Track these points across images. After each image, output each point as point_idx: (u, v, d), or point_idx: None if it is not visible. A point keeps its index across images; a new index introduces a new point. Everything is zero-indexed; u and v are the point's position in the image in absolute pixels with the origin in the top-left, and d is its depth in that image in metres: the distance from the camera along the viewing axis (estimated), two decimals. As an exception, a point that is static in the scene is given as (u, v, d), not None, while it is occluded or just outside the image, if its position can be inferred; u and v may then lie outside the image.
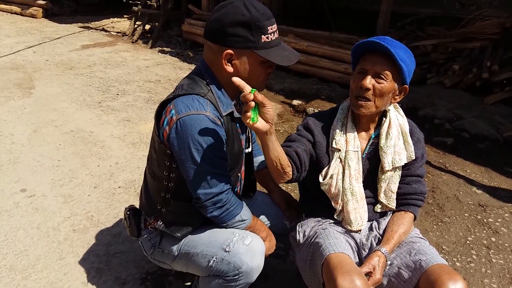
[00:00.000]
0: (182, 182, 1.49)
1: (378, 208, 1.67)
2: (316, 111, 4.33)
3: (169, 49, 7.21)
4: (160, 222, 1.61)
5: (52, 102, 4.44)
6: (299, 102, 4.78)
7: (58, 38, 7.59)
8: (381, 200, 1.65)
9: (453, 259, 2.37)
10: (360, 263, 1.56)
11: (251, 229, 1.61)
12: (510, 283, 2.20)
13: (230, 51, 1.39)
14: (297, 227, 1.73)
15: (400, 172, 1.63)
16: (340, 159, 1.60)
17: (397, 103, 1.66)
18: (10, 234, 2.37)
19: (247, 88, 1.20)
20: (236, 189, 1.71)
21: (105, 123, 4.00)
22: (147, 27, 8.07)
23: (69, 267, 2.15)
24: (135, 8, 8.13)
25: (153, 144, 1.55)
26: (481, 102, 4.71)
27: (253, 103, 1.20)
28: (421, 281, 1.41)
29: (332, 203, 1.64)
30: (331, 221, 1.68)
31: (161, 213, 1.60)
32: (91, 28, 8.69)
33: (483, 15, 5.25)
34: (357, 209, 1.61)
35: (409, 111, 4.41)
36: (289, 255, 2.31)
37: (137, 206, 1.79)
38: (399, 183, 1.65)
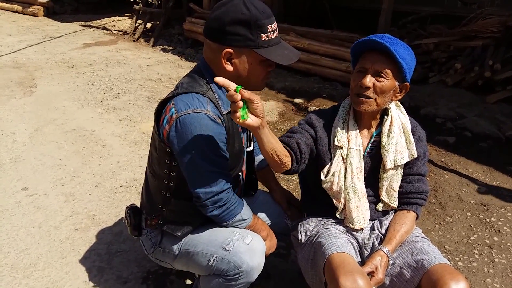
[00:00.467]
0: (182, 181, 1.48)
1: (380, 206, 1.67)
2: (317, 109, 4.32)
3: (170, 48, 7.20)
4: (160, 221, 1.60)
5: (54, 101, 4.45)
6: (301, 100, 4.78)
7: (60, 36, 7.59)
8: (383, 199, 1.64)
9: (455, 258, 2.36)
10: (362, 262, 1.56)
11: (252, 228, 1.60)
12: (512, 283, 2.20)
13: (229, 50, 1.38)
14: (299, 226, 1.72)
15: (402, 170, 1.62)
16: (342, 157, 1.60)
17: (399, 101, 1.65)
18: (11, 233, 2.37)
19: (232, 86, 1.17)
20: (237, 188, 1.70)
21: (106, 121, 4.00)
22: (148, 25, 8.07)
23: (71, 266, 2.15)
24: (137, 7, 8.13)
25: (153, 142, 1.55)
26: (483, 101, 4.70)
27: (241, 103, 1.18)
28: (423, 280, 1.41)
29: (334, 202, 1.64)
30: (333, 220, 1.68)
31: (162, 212, 1.59)
32: (92, 27, 8.69)
33: (485, 14, 5.23)
34: (359, 207, 1.60)
35: (411, 110, 4.40)
36: (290, 254, 2.31)
37: (138, 205, 1.79)
38: (401, 181, 1.64)
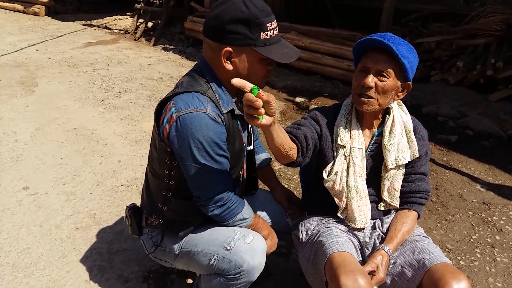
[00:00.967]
0: (183, 181, 1.48)
1: (381, 206, 1.66)
2: (320, 107, 4.31)
3: (171, 47, 7.20)
4: (161, 221, 1.60)
5: (55, 100, 4.45)
6: (302, 99, 4.77)
7: (61, 36, 7.59)
8: (385, 198, 1.64)
9: (457, 257, 2.35)
10: (363, 261, 1.55)
11: (253, 227, 1.60)
12: (514, 282, 2.19)
13: (229, 48, 1.37)
14: (300, 225, 1.72)
15: (404, 170, 1.62)
16: (345, 156, 1.59)
17: (401, 100, 1.64)
18: (12, 232, 2.37)
19: (247, 86, 1.10)
20: (237, 187, 1.70)
21: (107, 121, 4.00)
22: (150, 24, 8.07)
23: (72, 265, 2.15)
24: (138, 6, 8.12)
25: (154, 142, 1.55)
26: (485, 99, 4.68)
27: (262, 110, 1.09)
28: (425, 280, 1.40)
29: (336, 201, 1.63)
30: (334, 219, 1.67)
31: (162, 211, 1.59)
32: (94, 26, 8.69)
33: (487, 12, 5.21)
34: (361, 206, 1.60)
35: (413, 109, 4.39)
36: (291, 253, 2.30)
37: (139, 205, 1.79)
38: (403, 181, 1.63)
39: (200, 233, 1.59)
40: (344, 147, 1.58)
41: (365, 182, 1.61)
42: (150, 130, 3.81)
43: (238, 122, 1.55)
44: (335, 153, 1.61)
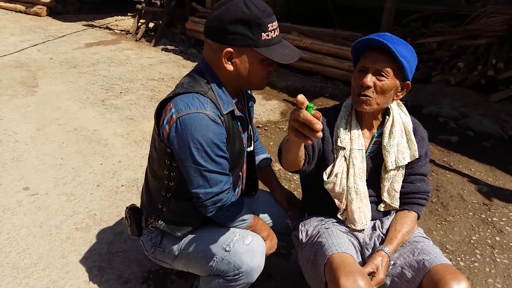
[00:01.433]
0: (182, 181, 1.48)
1: (381, 207, 1.66)
2: (320, 108, 4.31)
3: (172, 47, 7.20)
4: (160, 222, 1.60)
5: (56, 101, 4.45)
6: (303, 100, 4.76)
7: (62, 36, 7.60)
8: (384, 199, 1.64)
9: (457, 258, 2.35)
10: (363, 262, 1.55)
11: (252, 228, 1.60)
12: (515, 283, 2.18)
13: (230, 49, 1.37)
14: (300, 226, 1.72)
15: (404, 171, 1.61)
16: (345, 158, 1.59)
17: (401, 100, 1.64)
18: (12, 232, 2.37)
19: (305, 104, 1.04)
20: (237, 188, 1.70)
21: (108, 121, 4.00)
22: (151, 25, 8.07)
23: (71, 265, 2.15)
24: (139, 6, 8.12)
25: (154, 143, 1.55)
26: (486, 100, 4.68)
27: (320, 131, 1.01)
28: (425, 281, 1.40)
29: (336, 202, 1.63)
30: (334, 220, 1.67)
31: (162, 212, 1.59)
32: (95, 26, 8.69)
33: (489, 12, 5.20)
34: (361, 208, 1.59)
35: (414, 109, 4.39)
36: (291, 254, 2.30)
37: (139, 205, 1.79)
38: (403, 182, 1.63)
39: (199, 234, 1.59)
40: (344, 148, 1.58)
41: (365, 183, 1.61)
42: (151, 130, 3.79)
43: (238, 123, 1.55)
44: (335, 155, 1.61)
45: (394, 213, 1.67)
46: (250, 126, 1.71)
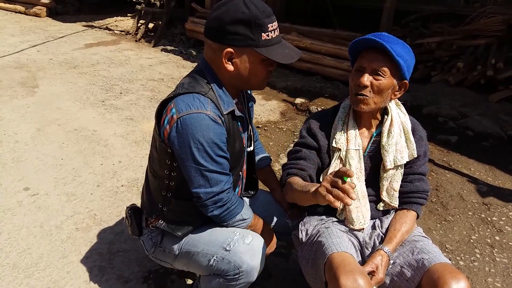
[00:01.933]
0: (183, 181, 1.48)
1: (380, 206, 1.66)
2: (319, 109, 4.32)
3: (172, 48, 7.20)
4: (161, 221, 1.60)
5: (56, 101, 4.46)
6: (302, 100, 4.77)
7: (62, 37, 7.61)
8: (384, 199, 1.64)
9: (457, 258, 2.36)
10: (363, 262, 1.55)
11: (252, 228, 1.60)
12: (514, 282, 2.19)
13: (230, 49, 1.38)
14: (300, 225, 1.72)
15: (402, 170, 1.62)
16: (341, 158, 1.60)
17: (400, 100, 1.65)
18: (13, 232, 2.38)
19: (350, 173, 1.16)
20: (237, 188, 1.70)
21: (108, 121, 4.01)
22: (151, 25, 8.07)
23: (72, 265, 2.16)
24: (139, 7, 8.13)
25: (154, 143, 1.55)
26: (486, 100, 4.68)
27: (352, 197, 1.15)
28: (424, 280, 1.40)
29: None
30: (334, 219, 1.68)
31: (162, 212, 1.59)
32: (95, 27, 8.70)
33: (488, 12, 5.20)
34: (359, 207, 1.60)
35: (413, 109, 4.39)
36: (291, 254, 2.30)
37: (139, 205, 1.79)
38: (402, 181, 1.64)
39: (199, 233, 1.60)
40: (340, 149, 1.59)
41: (364, 183, 1.62)
42: (151, 131, 3.82)
43: (239, 123, 1.55)
44: (331, 156, 1.62)
45: (394, 213, 1.68)
46: (250, 126, 1.72)
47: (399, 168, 1.61)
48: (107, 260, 2.20)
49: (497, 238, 2.53)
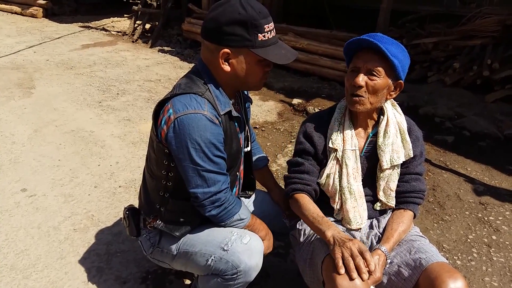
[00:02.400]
0: (180, 181, 1.49)
1: (377, 206, 1.67)
2: (316, 110, 4.33)
3: (169, 48, 7.20)
4: (159, 221, 1.60)
5: (53, 102, 4.45)
6: (299, 100, 4.78)
7: (59, 37, 7.59)
8: (381, 198, 1.65)
9: (454, 257, 2.37)
10: (360, 261, 1.56)
11: (250, 228, 1.61)
12: (511, 281, 2.20)
13: (227, 50, 1.39)
14: (297, 225, 1.73)
15: (399, 170, 1.63)
16: (337, 159, 1.61)
17: (396, 100, 1.66)
18: (11, 233, 2.37)
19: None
20: (235, 188, 1.71)
21: (105, 122, 4.01)
22: (147, 26, 8.07)
23: (70, 266, 2.15)
24: (135, 8, 8.12)
25: (151, 143, 1.56)
26: (482, 100, 4.70)
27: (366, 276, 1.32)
28: (421, 279, 1.41)
29: (331, 202, 1.65)
30: (332, 219, 1.68)
31: (160, 212, 1.60)
32: (91, 28, 8.69)
33: (484, 13, 5.22)
34: (356, 207, 1.61)
35: (410, 109, 4.41)
36: (289, 254, 2.31)
37: (137, 206, 1.79)
38: (398, 181, 1.65)
39: (197, 233, 1.60)
40: (336, 150, 1.60)
41: (361, 183, 1.63)
42: (148, 131, 3.80)
43: (236, 124, 1.56)
44: (327, 157, 1.63)
45: (391, 212, 1.68)
46: (247, 127, 1.72)
47: (396, 168, 1.62)
48: (105, 261, 2.20)
49: (494, 237, 2.54)
